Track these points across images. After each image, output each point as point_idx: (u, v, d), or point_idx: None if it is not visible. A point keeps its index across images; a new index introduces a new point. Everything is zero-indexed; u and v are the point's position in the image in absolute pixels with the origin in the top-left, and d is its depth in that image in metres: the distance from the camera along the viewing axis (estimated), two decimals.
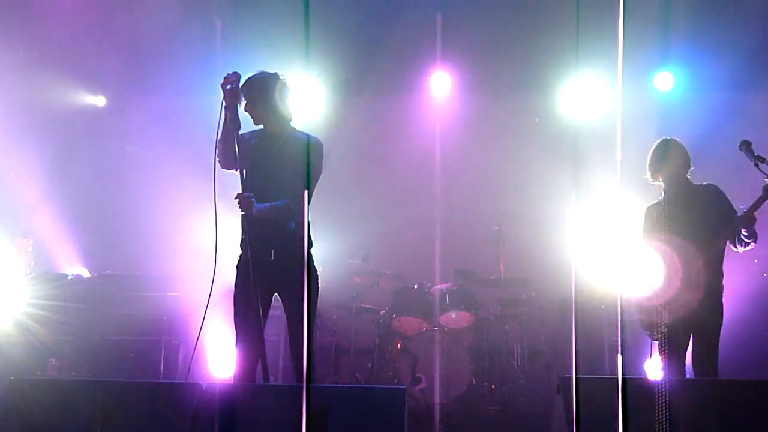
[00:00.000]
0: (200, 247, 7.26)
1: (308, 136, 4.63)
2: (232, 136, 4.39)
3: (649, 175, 4.94)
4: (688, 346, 4.62)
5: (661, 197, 4.94)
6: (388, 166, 8.56)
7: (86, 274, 7.52)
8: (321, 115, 8.09)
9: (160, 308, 7.06)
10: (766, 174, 4.42)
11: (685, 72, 8.07)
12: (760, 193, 4.47)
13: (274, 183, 4.47)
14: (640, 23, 7.06)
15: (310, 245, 4.59)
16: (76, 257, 7.77)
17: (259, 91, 4.53)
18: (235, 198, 4.35)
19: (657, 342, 4.61)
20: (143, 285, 7.24)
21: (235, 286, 4.52)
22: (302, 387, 3.93)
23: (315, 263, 4.63)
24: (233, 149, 4.38)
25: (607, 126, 7.37)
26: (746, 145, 4.55)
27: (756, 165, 4.45)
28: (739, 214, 4.61)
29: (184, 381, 6.22)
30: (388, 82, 8.58)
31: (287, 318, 4.56)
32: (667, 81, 8.12)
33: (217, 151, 4.43)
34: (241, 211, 4.37)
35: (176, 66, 7.87)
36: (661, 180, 4.90)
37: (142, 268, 7.60)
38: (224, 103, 4.37)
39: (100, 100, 8.72)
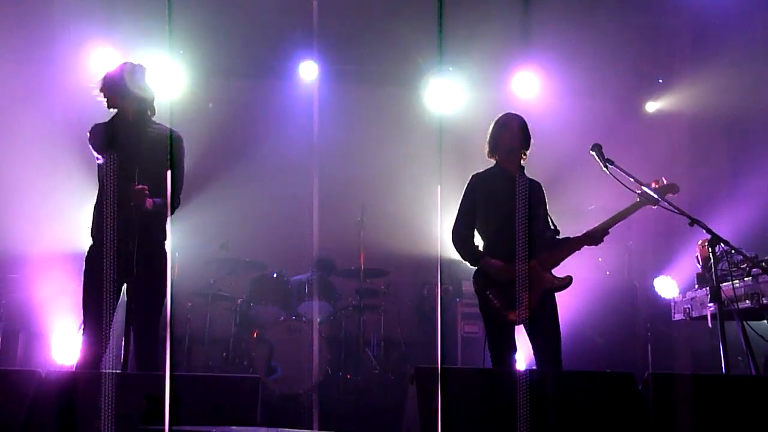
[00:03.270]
0: (44, 227, 6.91)
1: (170, 131, 4.54)
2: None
3: (487, 149, 4.74)
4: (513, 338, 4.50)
5: (491, 169, 4.75)
6: (251, 152, 8.41)
7: None
8: (182, 96, 7.84)
9: None
10: (614, 176, 4.63)
11: (545, 76, 8.40)
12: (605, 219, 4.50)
13: (146, 177, 4.32)
14: (504, 26, 7.27)
15: (164, 237, 4.50)
16: None
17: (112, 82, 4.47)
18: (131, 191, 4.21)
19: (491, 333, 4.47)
20: None
21: (85, 275, 4.33)
22: (155, 375, 3.81)
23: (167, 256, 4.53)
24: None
25: (469, 123, 7.57)
26: (597, 149, 4.71)
27: (605, 167, 4.65)
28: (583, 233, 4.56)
29: (19, 368, 5.89)
30: (253, 66, 8.44)
31: (134, 308, 4.35)
32: (528, 84, 8.42)
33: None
34: (133, 202, 4.21)
35: (27, 39, 7.38)
36: (497, 158, 4.72)
37: None
38: None
39: None
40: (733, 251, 4.80)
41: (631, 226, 7.38)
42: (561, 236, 4.69)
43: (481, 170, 4.75)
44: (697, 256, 5.53)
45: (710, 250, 4.58)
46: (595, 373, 4.28)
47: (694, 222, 4.45)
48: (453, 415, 3.54)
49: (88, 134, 4.44)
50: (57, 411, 3.70)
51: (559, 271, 4.57)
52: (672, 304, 6.16)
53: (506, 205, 4.53)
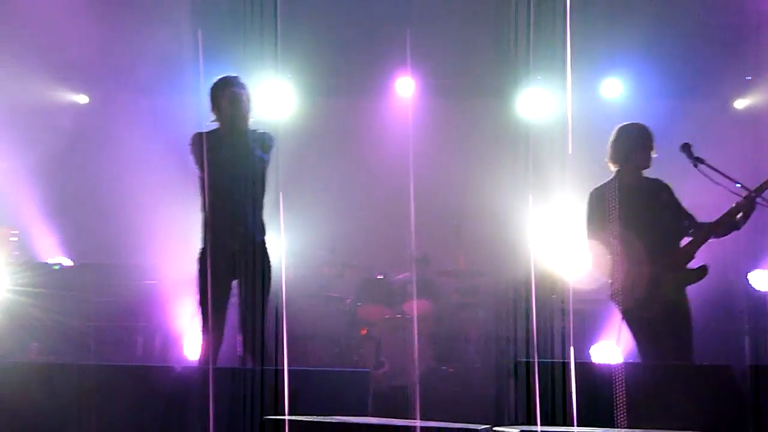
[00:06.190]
0: (177, 237, 7.58)
1: (254, 132, 4.85)
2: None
3: (611, 159, 4.77)
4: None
5: (610, 182, 4.77)
6: (355, 165, 8.87)
7: (68, 262, 7.66)
8: (292, 116, 8.44)
9: (138, 295, 7.27)
10: (704, 174, 4.72)
11: (632, 79, 8.53)
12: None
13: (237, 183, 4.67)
14: (589, 33, 7.45)
15: (263, 234, 4.84)
16: (58, 247, 7.90)
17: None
18: None
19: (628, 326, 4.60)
20: (122, 273, 7.43)
21: (199, 276, 4.71)
22: (276, 370, 4.18)
23: (269, 253, 4.89)
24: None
25: (560, 129, 7.77)
26: (686, 148, 4.78)
27: (695, 166, 4.72)
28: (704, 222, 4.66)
29: (158, 364, 6.52)
30: (355, 85, 8.92)
31: (242, 304, 4.73)
32: (615, 88, 8.57)
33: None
34: None
35: (156, 68, 8.12)
36: (620, 167, 4.75)
37: (122, 257, 7.77)
38: None
39: (82, 98, 8.86)
40: None
41: None
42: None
43: (598, 185, 4.81)
44: None
45: None
46: (691, 367, 4.33)
47: None
48: (551, 407, 3.77)
49: (189, 145, 4.75)
50: (191, 403, 4.15)
51: None
52: None
53: (624, 219, 4.57)
